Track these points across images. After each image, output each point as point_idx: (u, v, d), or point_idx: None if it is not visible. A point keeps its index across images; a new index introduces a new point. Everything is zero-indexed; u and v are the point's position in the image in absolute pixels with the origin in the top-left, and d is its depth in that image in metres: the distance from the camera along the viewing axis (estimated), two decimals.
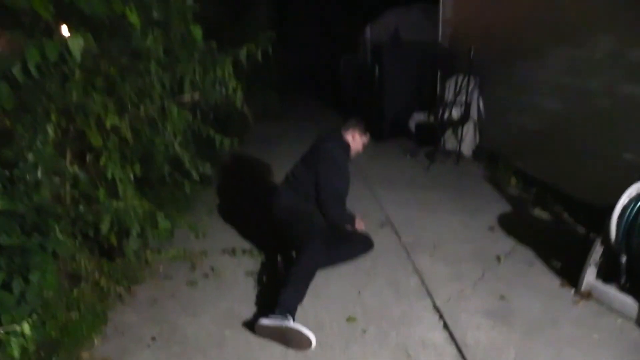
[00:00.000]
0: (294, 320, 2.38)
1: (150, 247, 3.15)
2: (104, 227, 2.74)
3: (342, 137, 3.26)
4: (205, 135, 3.32)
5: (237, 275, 2.99)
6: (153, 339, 2.37)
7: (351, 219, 3.24)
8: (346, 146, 3.23)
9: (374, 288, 2.83)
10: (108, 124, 2.82)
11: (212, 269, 3.06)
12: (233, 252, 3.29)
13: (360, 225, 3.49)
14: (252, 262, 3.16)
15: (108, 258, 3.08)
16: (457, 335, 2.36)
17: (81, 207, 2.90)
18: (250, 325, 2.42)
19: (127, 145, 3.04)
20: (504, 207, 4.18)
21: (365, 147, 3.38)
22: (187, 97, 3.03)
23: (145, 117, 2.96)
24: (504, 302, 2.66)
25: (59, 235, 2.36)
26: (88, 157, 2.96)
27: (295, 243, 2.95)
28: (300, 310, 2.54)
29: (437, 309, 2.61)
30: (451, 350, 2.28)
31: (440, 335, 2.39)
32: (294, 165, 3.34)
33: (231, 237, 3.53)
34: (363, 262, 3.12)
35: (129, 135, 2.95)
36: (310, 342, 2.29)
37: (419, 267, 3.07)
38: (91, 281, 2.84)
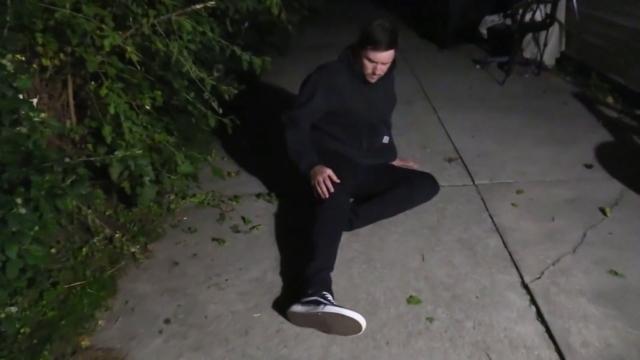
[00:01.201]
0: (332, 297, 1.87)
1: (174, 190, 2.67)
2: (114, 174, 2.25)
3: (352, 47, 2.41)
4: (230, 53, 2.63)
5: (272, 230, 2.47)
6: (167, 321, 1.92)
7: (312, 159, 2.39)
8: (349, 59, 2.38)
9: (442, 252, 2.24)
10: (107, 45, 2.23)
11: (243, 219, 2.54)
12: (269, 196, 2.74)
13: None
14: (292, 211, 2.61)
15: (127, 205, 2.63)
16: (556, 332, 1.77)
17: (89, 147, 2.42)
18: (284, 306, 1.92)
19: (136, 70, 2.46)
20: (601, 135, 3.38)
21: (373, 66, 2.28)
22: (205, 4, 2.34)
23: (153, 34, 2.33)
24: (618, 280, 2.02)
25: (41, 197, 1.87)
26: (91, 87, 2.40)
27: None
28: (346, 282, 2.02)
29: (526, 287, 2.01)
30: (549, 355, 1.70)
31: (532, 330, 1.80)
32: None
33: (269, 177, 2.96)
34: (427, 214, 2.51)
35: (134, 57, 2.35)
36: (359, 326, 1.77)
37: (498, 222, 2.43)
38: (103, 236, 2.41)
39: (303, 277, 1.95)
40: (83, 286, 2.08)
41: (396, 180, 2.48)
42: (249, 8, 3.33)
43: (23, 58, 2.23)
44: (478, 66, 5.11)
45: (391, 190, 2.41)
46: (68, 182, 2.06)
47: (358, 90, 2.40)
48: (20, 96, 2.25)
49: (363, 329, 1.78)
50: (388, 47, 2.22)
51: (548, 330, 1.79)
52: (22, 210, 1.60)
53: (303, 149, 2.42)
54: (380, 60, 2.25)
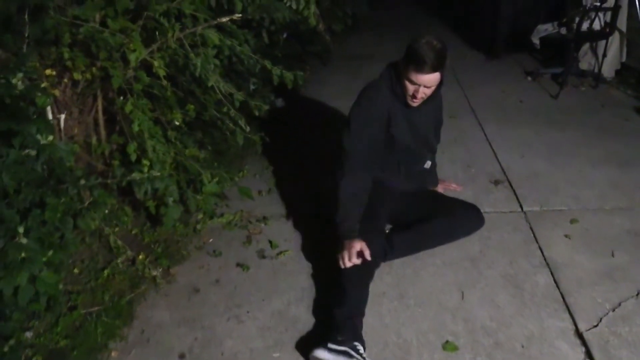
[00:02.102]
0: (364, 347, 1.68)
1: (200, 209, 2.56)
2: (139, 193, 2.17)
3: (396, 64, 2.13)
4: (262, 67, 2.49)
5: (300, 256, 2.31)
6: (181, 356, 1.80)
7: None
8: (392, 79, 2.12)
9: (485, 289, 2.02)
10: (133, 59, 2.16)
11: (271, 243, 2.40)
12: (300, 218, 2.59)
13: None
14: (323, 235, 2.43)
15: (153, 224, 2.55)
16: None
17: (116, 164, 2.35)
18: (306, 346, 1.75)
19: (163, 87, 2.38)
20: None
21: (415, 88, 2.01)
22: (231, 17, 2.22)
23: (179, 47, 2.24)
24: None
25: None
26: (119, 103, 2.33)
27: None
28: (375, 320, 1.84)
29: (580, 336, 1.76)
30: None
31: None
32: None
33: (302, 197, 2.79)
34: (468, 243, 2.29)
35: (161, 71, 2.28)
36: None
37: (549, 256, 2.18)
38: (125, 257, 2.33)
39: (332, 320, 1.77)
40: (99, 313, 1.99)
41: (437, 208, 2.26)
42: (286, 18, 3.20)
43: (54, 72, 2.20)
44: (530, 78, 4.80)
45: (431, 220, 2.19)
46: (86, 203, 1.99)
47: (400, 113, 2.15)
48: (49, 114, 2.22)
49: None
50: (432, 70, 1.93)
51: None
52: (24, 240, 1.50)
53: (350, 209, 2.08)
54: (423, 83, 1.97)
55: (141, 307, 2.05)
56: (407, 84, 2.01)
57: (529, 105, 4.07)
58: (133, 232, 2.53)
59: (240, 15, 2.12)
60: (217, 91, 2.27)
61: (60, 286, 1.97)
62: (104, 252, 2.37)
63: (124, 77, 2.15)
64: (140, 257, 2.32)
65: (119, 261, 2.30)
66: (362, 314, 1.81)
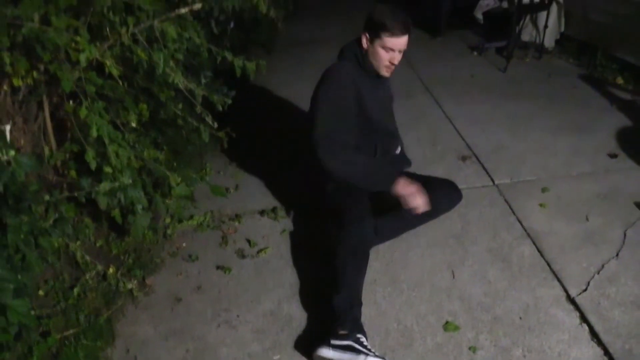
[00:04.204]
0: (366, 338, 1.64)
1: (170, 212, 2.44)
2: (102, 204, 2.01)
3: (356, 41, 2.12)
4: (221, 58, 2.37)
5: (282, 252, 2.24)
6: None
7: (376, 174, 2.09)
8: (357, 56, 2.10)
9: (474, 266, 2.02)
10: (83, 60, 1.98)
11: (249, 242, 2.31)
12: (274, 213, 2.50)
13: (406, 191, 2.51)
14: (301, 228, 2.38)
15: (119, 234, 2.39)
16: (617, 354, 1.58)
17: (72, 174, 2.18)
18: (306, 344, 1.69)
19: (118, 85, 2.22)
20: (618, 119, 3.18)
21: (390, 55, 2.01)
22: (190, 7, 2.08)
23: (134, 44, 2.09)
24: None
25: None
26: (69, 107, 2.15)
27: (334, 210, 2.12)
28: (372, 309, 1.81)
29: (573, 302, 1.80)
30: None
31: (590, 354, 1.60)
32: None
33: (271, 190, 2.71)
34: (449, 221, 2.29)
35: (115, 71, 2.11)
36: None
37: (529, 226, 2.22)
38: (95, 272, 2.17)
39: (331, 312, 1.71)
40: (77, 335, 1.84)
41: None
42: (234, 7, 3.07)
43: None
44: (475, 53, 4.89)
45: None
46: (50, 220, 1.82)
47: (368, 90, 2.12)
48: None
49: None
50: (406, 31, 1.95)
51: (607, 353, 1.58)
52: None
53: (369, 164, 2.08)
54: (399, 46, 1.97)
55: (121, 324, 1.92)
56: (382, 52, 2.00)
57: (480, 79, 4.14)
58: (98, 244, 2.36)
59: (200, 6, 1.99)
60: (178, 88, 2.13)
61: (32, 312, 1.81)
62: (69, 269, 2.20)
63: (73, 79, 1.98)
64: (111, 270, 2.16)
65: (88, 277, 2.14)
66: (360, 303, 1.77)
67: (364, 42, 2.05)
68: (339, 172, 2.01)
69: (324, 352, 1.58)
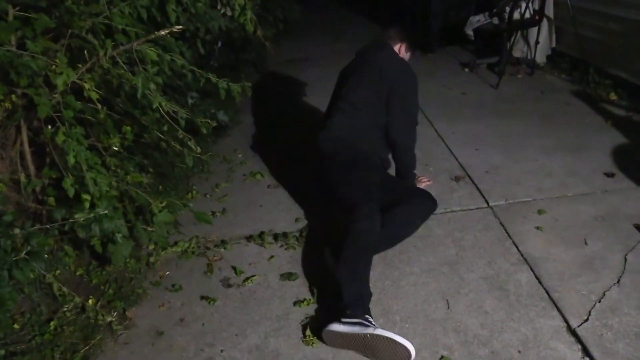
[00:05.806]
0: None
1: (152, 239, 2.34)
2: (79, 232, 1.92)
3: (392, 48, 2.54)
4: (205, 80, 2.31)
5: (269, 281, 2.14)
6: None
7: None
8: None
9: (469, 295, 1.93)
10: (60, 83, 1.90)
11: (235, 270, 2.22)
12: (261, 239, 2.41)
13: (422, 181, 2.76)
14: (289, 255, 2.29)
15: (100, 262, 2.29)
16: None
17: (51, 202, 2.10)
18: None
19: (98, 109, 2.14)
20: (614, 137, 3.12)
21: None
22: (170, 29, 2.01)
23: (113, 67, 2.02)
24: None
25: None
26: (47, 133, 2.06)
27: (343, 202, 2.22)
28: None
29: (574, 333, 1.71)
30: None
31: None
32: (342, 87, 2.48)
33: (259, 215, 2.63)
34: (442, 246, 2.21)
35: (94, 94, 2.03)
36: (409, 355, 1.59)
37: (526, 252, 2.14)
38: (73, 304, 2.07)
39: (340, 301, 1.78)
40: None
41: (397, 196, 2.21)
42: (221, 27, 3.01)
43: None
44: (466, 69, 4.86)
45: (391, 209, 2.13)
46: (22, 254, 1.73)
47: None
48: None
49: (413, 357, 1.61)
50: None
51: None
52: None
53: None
54: None
55: None
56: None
57: (472, 97, 4.09)
58: (78, 273, 2.26)
59: (180, 27, 1.92)
60: (159, 111, 2.05)
61: (2, 351, 1.71)
62: (47, 300, 2.10)
63: (50, 104, 1.90)
64: (90, 302, 2.06)
65: (65, 310, 2.04)
66: (370, 294, 1.84)
67: (401, 51, 2.59)
68: (411, 158, 2.52)
69: (335, 327, 1.68)
